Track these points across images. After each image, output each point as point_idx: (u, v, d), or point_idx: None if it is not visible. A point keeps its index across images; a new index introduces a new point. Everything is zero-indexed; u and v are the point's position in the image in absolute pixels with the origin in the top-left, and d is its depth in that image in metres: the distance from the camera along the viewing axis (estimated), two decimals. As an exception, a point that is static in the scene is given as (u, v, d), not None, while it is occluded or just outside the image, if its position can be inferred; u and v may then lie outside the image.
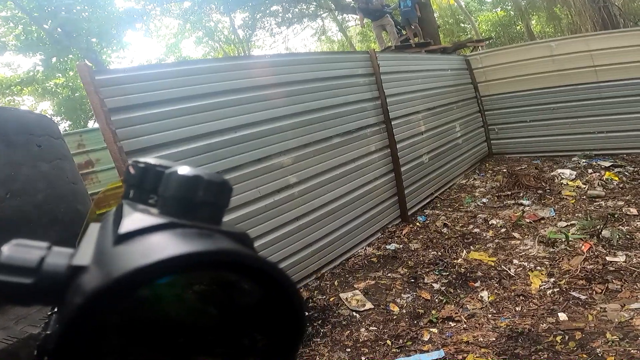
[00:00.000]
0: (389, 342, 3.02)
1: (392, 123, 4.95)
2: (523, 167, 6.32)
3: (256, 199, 3.59)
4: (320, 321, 3.35)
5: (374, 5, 8.87)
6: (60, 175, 3.02)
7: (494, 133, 7.29)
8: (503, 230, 4.47)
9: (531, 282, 3.45)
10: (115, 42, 15.17)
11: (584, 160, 6.08)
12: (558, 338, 2.74)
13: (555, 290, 3.29)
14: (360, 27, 11.55)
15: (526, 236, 4.25)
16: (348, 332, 3.20)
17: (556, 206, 4.82)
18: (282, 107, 3.85)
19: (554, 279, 3.43)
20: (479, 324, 3.05)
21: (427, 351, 2.86)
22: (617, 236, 3.77)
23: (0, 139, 2.66)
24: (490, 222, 4.69)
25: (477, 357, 2.70)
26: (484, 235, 4.45)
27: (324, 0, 15.95)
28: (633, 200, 4.60)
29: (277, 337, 0.29)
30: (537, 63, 6.48)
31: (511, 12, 18.75)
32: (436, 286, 3.65)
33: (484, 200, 5.39)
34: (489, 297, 3.36)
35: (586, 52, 6.06)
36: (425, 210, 5.38)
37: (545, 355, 2.61)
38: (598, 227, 3.96)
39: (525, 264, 3.74)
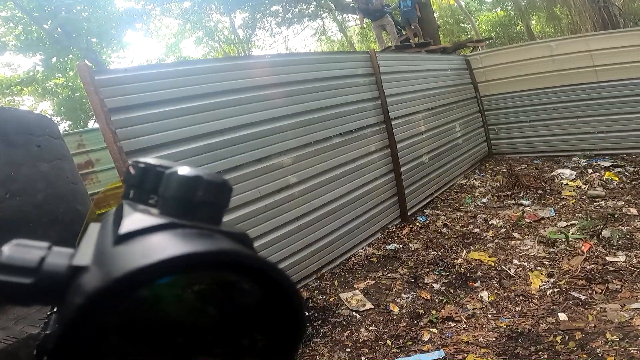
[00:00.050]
0: (389, 342, 3.03)
1: (392, 123, 4.95)
2: (523, 167, 6.32)
3: (256, 199, 3.59)
4: (320, 321, 3.35)
5: (374, 6, 8.87)
6: (60, 175, 3.03)
7: (494, 133, 7.30)
8: (503, 230, 4.47)
9: (531, 282, 3.45)
10: (115, 42, 15.17)
11: (584, 160, 6.08)
12: (558, 338, 2.74)
13: (555, 290, 3.29)
14: (360, 27, 11.54)
15: (526, 236, 4.25)
16: (348, 332, 3.20)
17: (556, 206, 4.82)
18: (282, 107, 3.85)
19: (554, 279, 3.43)
20: (479, 324, 3.05)
21: (427, 351, 2.86)
22: (617, 236, 3.77)
23: (0, 139, 2.66)
24: (490, 222, 4.69)
25: (477, 357, 2.70)
26: (484, 235, 4.45)
27: (324, 0, 15.95)
28: (633, 200, 4.60)
29: (277, 337, 0.29)
30: (537, 63, 6.48)
31: (511, 12, 18.75)
32: (436, 286, 3.65)
33: (484, 200, 5.39)
34: (489, 297, 3.36)
35: (586, 52, 6.06)
36: (425, 210, 5.38)
37: (545, 356, 2.61)
38: (598, 227, 3.96)
39: (525, 264, 3.74)
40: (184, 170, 0.31)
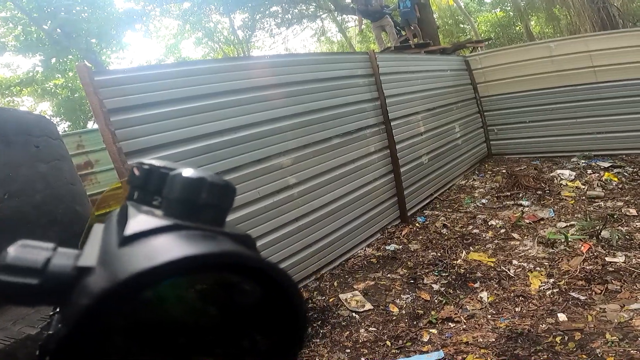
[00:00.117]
0: (388, 342, 3.03)
1: (392, 124, 4.96)
2: (522, 168, 6.33)
3: (256, 199, 3.59)
4: (319, 322, 3.35)
5: (373, 7, 8.87)
6: (59, 176, 3.02)
7: (494, 134, 7.30)
8: (502, 231, 4.47)
9: (531, 283, 3.45)
10: (114, 43, 15.16)
11: (583, 161, 6.09)
12: (558, 339, 2.74)
13: (554, 290, 3.29)
14: (358, 31, 11.55)
15: (525, 237, 4.26)
16: (347, 332, 3.21)
17: (555, 207, 4.82)
18: (281, 108, 3.85)
19: (553, 280, 3.43)
20: (479, 325, 3.05)
21: (427, 352, 2.86)
22: (617, 237, 3.77)
23: (-1, 140, 2.66)
24: (489, 223, 4.70)
25: (476, 357, 2.70)
26: (484, 236, 4.46)
27: (323, 1, 15.96)
28: (632, 201, 4.61)
29: (279, 338, 0.30)
30: (537, 64, 6.50)
31: (510, 13, 18.77)
32: (436, 287, 3.65)
33: (484, 201, 5.39)
34: (488, 298, 3.37)
35: (585, 53, 6.08)
36: (424, 211, 5.39)
37: (545, 356, 2.61)
38: (597, 227, 3.97)
39: (525, 264, 3.75)
40: (188, 172, 0.31)
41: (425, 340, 3.00)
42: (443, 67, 6.57)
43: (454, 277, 3.74)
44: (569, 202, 4.88)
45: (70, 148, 4.25)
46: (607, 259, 3.53)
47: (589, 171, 5.68)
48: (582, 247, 3.75)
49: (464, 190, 5.97)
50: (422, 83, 5.80)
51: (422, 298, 3.53)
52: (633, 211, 4.33)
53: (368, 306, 3.50)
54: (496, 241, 4.28)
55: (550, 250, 3.88)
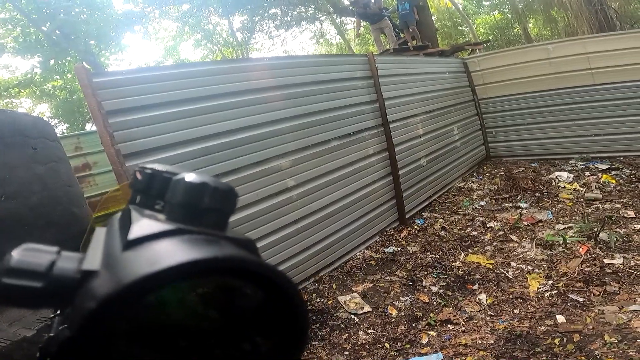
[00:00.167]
0: (387, 345, 3.02)
1: (390, 126, 4.97)
2: (520, 170, 6.35)
3: (254, 202, 3.59)
4: (318, 324, 3.35)
5: (372, 10, 8.89)
6: (56, 178, 3.01)
7: (492, 136, 7.32)
8: (501, 233, 4.48)
9: (529, 285, 3.46)
10: (113, 45, 15.14)
11: (581, 163, 6.11)
12: (556, 340, 2.74)
13: (553, 292, 3.30)
14: (356, 35, 11.54)
15: (524, 239, 4.27)
16: (346, 335, 3.20)
17: (553, 209, 4.83)
18: (280, 110, 3.86)
19: (551, 282, 3.43)
20: (477, 327, 3.05)
21: (426, 354, 2.86)
22: (615, 239, 3.78)
23: (-4, 141, 2.65)
24: (488, 225, 4.70)
25: (475, 359, 2.71)
26: (482, 238, 4.46)
27: (322, 3, 15.99)
28: (630, 203, 4.62)
29: (281, 341, 0.30)
30: (534, 66, 6.52)
31: (508, 15, 18.82)
32: (434, 289, 3.66)
33: (482, 203, 5.40)
34: (487, 300, 3.37)
35: (583, 55, 6.10)
36: (423, 213, 5.39)
37: (544, 358, 2.61)
38: (595, 229, 3.98)
39: (523, 266, 3.75)
40: (190, 176, 0.31)
41: (424, 342, 3.00)
42: (441, 70, 6.59)
43: (452, 279, 3.75)
44: (567, 204, 4.89)
45: (68, 150, 4.24)
46: (605, 260, 3.54)
47: (587, 173, 5.70)
48: (581, 249, 3.76)
49: (462, 192, 5.97)
50: (421, 85, 5.81)
51: (421, 300, 3.53)
52: (631, 213, 4.35)
53: (367, 308, 3.50)
54: (494, 243, 4.29)
55: (549, 252, 3.89)
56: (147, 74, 3.19)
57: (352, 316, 3.42)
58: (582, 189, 5.25)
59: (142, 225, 0.28)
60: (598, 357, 2.52)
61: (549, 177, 5.77)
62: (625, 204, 4.63)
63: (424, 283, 3.77)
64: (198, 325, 0.29)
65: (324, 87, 4.32)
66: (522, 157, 6.98)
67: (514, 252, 4.04)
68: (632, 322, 2.77)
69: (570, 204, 4.90)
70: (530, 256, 3.89)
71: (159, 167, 0.34)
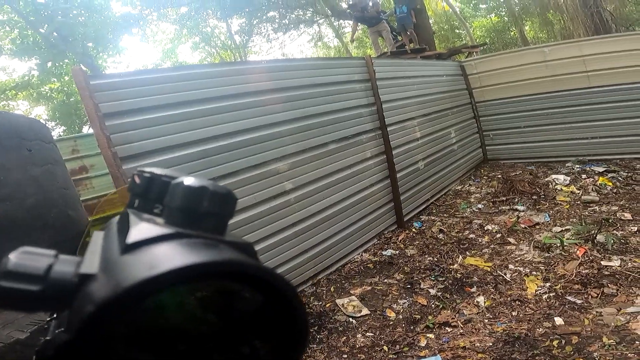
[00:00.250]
0: (385, 347, 3.02)
1: (388, 129, 4.97)
2: (518, 173, 6.36)
3: (252, 205, 3.58)
4: (316, 327, 3.34)
5: (370, 13, 8.93)
6: (51, 180, 2.99)
7: (489, 139, 7.34)
8: (498, 235, 4.49)
9: (527, 287, 3.46)
10: (111, 47, 15.13)
11: (578, 166, 6.13)
12: (555, 342, 2.74)
13: (551, 294, 3.30)
14: (351, 39, 11.58)
15: (521, 241, 4.27)
16: (344, 338, 3.20)
17: (551, 211, 4.85)
18: (277, 113, 3.86)
19: (549, 284, 3.44)
20: (476, 329, 3.05)
21: (424, 357, 2.85)
22: (612, 241, 3.79)
23: (-10, 142, 2.64)
24: (485, 228, 4.71)
25: (473, 362, 2.70)
26: (480, 240, 4.47)
27: (320, 6, 16.04)
28: (627, 205, 4.64)
29: (280, 345, 0.30)
30: (531, 69, 6.55)
31: (505, 18, 18.95)
32: (432, 292, 3.66)
33: (480, 206, 5.41)
34: (485, 302, 3.37)
35: (579, 58, 6.13)
36: (421, 216, 5.40)
37: (542, 361, 2.62)
38: (593, 232, 3.99)
39: (521, 269, 3.76)
40: (189, 180, 0.31)
41: (423, 345, 3.00)
42: (439, 73, 6.61)
43: (450, 281, 3.75)
44: (564, 207, 4.91)
45: (65, 153, 4.23)
46: (602, 262, 3.55)
47: (584, 176, 5.72)
48: (578, 252, 3.77)
49: (460, 195, 5.98)
50: (418, 88, 5.83)
51: (419, 303, 3.52)
52: (628, 215, 4.36)
53: (365, 311, 3.50)
54: (492, 246, 4.29)
55: (546, 254, 3.90)
56: (145, 77, 3.18)
57: (350, 319, 3.41)
58: (579, 191, 5.27)
59: (141, 229, 0.28)
60: (596, 359, 2.53)
61: (546, 179, 5.79)
62: (622, 206, 4.65)
63: (422, 286, 3.77)
64: (197, 329, 0.29)
65: (322, 90, 4.32)
66: (519, 159, 7.00)
67: (512, 255, 4.04)
68: (630, 323, 2.77)
69: (567, 206, 4.92)
70: (528, 258, 3.90)
71: (157, 170, 0.34)
